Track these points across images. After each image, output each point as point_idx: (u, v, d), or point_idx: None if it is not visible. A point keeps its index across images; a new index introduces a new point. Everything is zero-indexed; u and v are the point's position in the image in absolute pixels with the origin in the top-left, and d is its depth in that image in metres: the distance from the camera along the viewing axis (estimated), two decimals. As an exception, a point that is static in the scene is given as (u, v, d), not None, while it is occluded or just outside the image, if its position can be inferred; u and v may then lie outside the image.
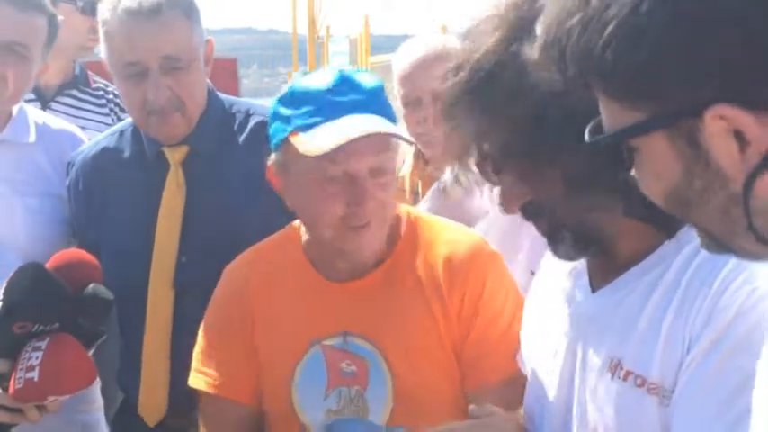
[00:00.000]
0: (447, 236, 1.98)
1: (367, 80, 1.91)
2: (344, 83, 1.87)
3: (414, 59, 3.14)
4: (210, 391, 2.03)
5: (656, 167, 1.05)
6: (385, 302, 1.94)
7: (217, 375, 2.03)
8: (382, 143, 1.85)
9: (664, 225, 1.42)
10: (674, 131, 1.00)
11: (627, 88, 1.01)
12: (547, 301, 1.68)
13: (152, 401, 2.38)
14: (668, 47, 0.96)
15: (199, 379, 2.06)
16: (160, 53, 2.29)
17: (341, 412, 1.92)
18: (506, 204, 1.48)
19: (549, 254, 1.75)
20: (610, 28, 0.98)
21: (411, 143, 1.91)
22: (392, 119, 1.90)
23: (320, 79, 1.89)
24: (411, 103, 3.15)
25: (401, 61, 3.20)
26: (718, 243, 1.09)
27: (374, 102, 1.88)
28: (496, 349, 1.89)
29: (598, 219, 1.45)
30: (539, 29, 1.12)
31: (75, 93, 3.54)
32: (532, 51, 1.17)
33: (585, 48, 1.01)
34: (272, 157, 1.94)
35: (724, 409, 1.28)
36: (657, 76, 0.98)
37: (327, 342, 1.94)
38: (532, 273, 2.19)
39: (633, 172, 1.10)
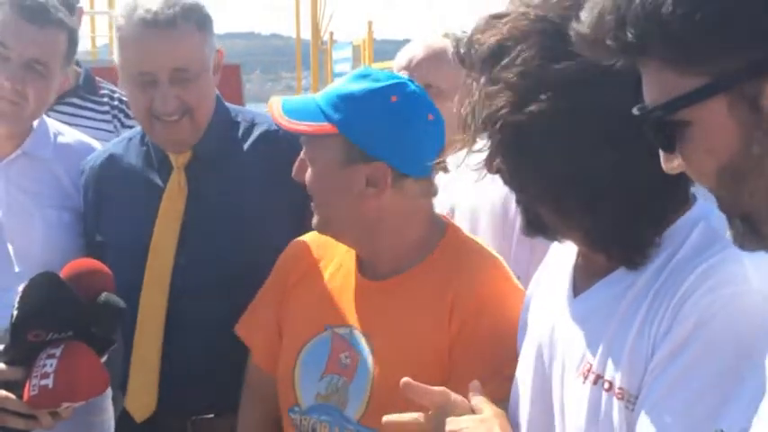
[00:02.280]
0: (474, 263, 2.01)
1: (364, 83, 1.98)
2: (355, 75, 2.01)
3: (411, 53, 3.25)
4: (251, 348, 2.19)
5: (710, 139, 1.05)
6: (393, 307, 1.99)
7: (256, 342, 2.19)
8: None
9: (615, 255, 1.46)
10: (736, 95, 1.01)
11: (693, 46, 1.02)
12: (540, 301, 1.71)
13: (140, 398, 2.40)
14: (738, 2, 0.98)
15: (242, 328, 2.21)
16: (171, 65, 2.31)
17: (327, 398, 2.00)
18: (485, 164, 1.54)
19: (552, 252, 1.78)
20: None
21: (298, 131, 1.96)
22: (343, 120, 1.94)
23: None
24: None
25: (400, 56, 3.31)
26: (758, 233, 1.08)
27: (344, 100, 1.96)
28: (490, 378, 1.83)
29: (542, 211, 1.50)
30: (590, 2, 1.13)
31: (75, 101, 3.52)
32: (581, 26, 1.16)
33: (653, 7, 1.02)
34: None
35: (685, 414, 1.31)
36: (726, 31, 0.99)
37: (338, 330, 2.02)
38: (518, 278, 2.24)
39: (675, 159, 1.10)
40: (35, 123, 2.60)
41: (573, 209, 1.44)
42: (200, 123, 2.41)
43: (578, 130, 1.38)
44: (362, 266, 2.08)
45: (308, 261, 2.15)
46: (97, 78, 3.72)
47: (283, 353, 2.10)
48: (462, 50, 1.49)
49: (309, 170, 1.99)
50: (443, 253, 2.02)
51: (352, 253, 2.09)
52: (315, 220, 2.03)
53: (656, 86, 1.09)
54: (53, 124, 2.72)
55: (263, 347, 2.17)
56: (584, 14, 1.15)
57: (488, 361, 1.90)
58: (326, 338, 2.03)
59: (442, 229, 2.07)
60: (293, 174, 2.03)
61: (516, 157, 1.45)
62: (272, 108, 1.99)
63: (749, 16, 0.98)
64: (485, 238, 2.42)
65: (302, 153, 2.01)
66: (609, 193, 1.40)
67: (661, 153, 1.14)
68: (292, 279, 2.14)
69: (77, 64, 3.68)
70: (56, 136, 2.66)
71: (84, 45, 14.84)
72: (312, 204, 2.02)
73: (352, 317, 2.02)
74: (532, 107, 1.39)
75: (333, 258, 2.13)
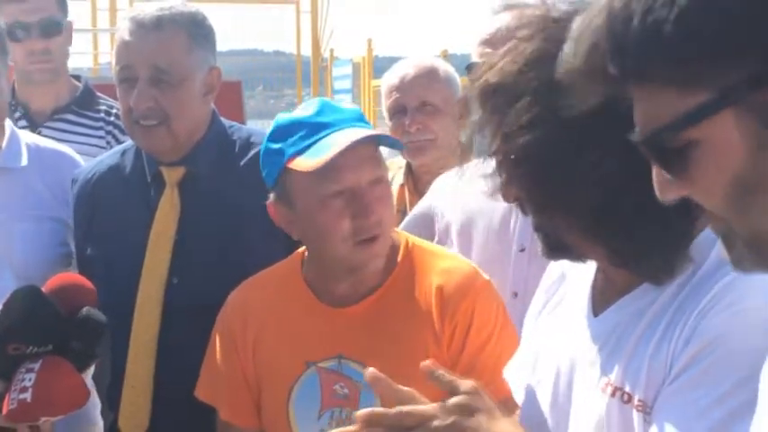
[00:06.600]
0: (441, 265, 2.04)
1: (346, 106, 2.07)
2: (327, 107, 2.01)
3: (401, 73, 3.24)
4: (217, 407, 2.13)
5: (719, 156, 1.03)
6: (379, 328, 2.00)
7: (222, 399, 2.13)
8: (373, 153, 1.97)
9: (646, 272, 1.46)
10: (742, 108, 1.00)
11: (697, 64, 1.01)
12: (556, 319, 1.70)
13: (133, 417, 2.39)
14: (741, 11, 0.98)
15: (201, 391, 2.16)
16: (150, 61, 2.33)
17: None
18: (502, 195, 1.54)
19: (552, 271, 1.79)
20: (682, 1, 0.99)
21: (398, 146, 2.01)
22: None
23: (303, 110, 2.02)
24: (397, 112, 3.23)
25: (389, 76, 3.31)
26: (761, 255, 1.06)
27: (356, 119, 2.02)
28: (484, 377, 1.92)
29: (567, 238, 1.49)
30: (575, 34, 1.12)
31: (68, 117, 3.50)
32: (572, 58, 1.14)
33: (653, 28, 1.01)
34: (271, 195, 2.03)
35: (695, 423, 1.31)
36: (730, 45, 0.98)
37: (323, 365, 2.01)
38: (515, 294, 2.23)
39: (674, 187, 1.08)
40: (6, 136, 2.59)
41: (600, 232, 1.45)
42: (179, 134, 2.39)
43: (603, 161, 1.38)
44: (323, 296, 2.06)
45: (260, 309, 2.11)
46: (98, 94, 3.71)
47: (269, 402, 2.08)
48: (473, 78, 1.49)
49: (384, 196, 1.98)
50: (408, 263, 2.04)
51: (301, 287, 2.07)
52: (379, 245, 1.98)
53: (652, 111, 1.07)
54: (27, 135, 2.71)
55: (230, 403, 2.12)
56: (570, 47, 1.13)
57: (490, 351, 1.94)
58: (313, 375, 2.02)
59: (394, 238, 2.09)
60: (373, 227, 1.96)
61: (541, 191, 1.45)
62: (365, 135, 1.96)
63: (752, 28, 0.98)
64: (478, 252, 2.42)
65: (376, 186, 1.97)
66: (636, 216, 1.40)
67: (657, 183, 1.11)
68: (251, 332, 2.10)
69: (77, 78, 3.68)
70: (29, 147, 2.64)
71: (86, 62, 14.89)
72: (379, 227, 1.97)
73: (334, 347, 2.01)
74: (553, 142, 1.39)
75: (281, 300, 2.10)
